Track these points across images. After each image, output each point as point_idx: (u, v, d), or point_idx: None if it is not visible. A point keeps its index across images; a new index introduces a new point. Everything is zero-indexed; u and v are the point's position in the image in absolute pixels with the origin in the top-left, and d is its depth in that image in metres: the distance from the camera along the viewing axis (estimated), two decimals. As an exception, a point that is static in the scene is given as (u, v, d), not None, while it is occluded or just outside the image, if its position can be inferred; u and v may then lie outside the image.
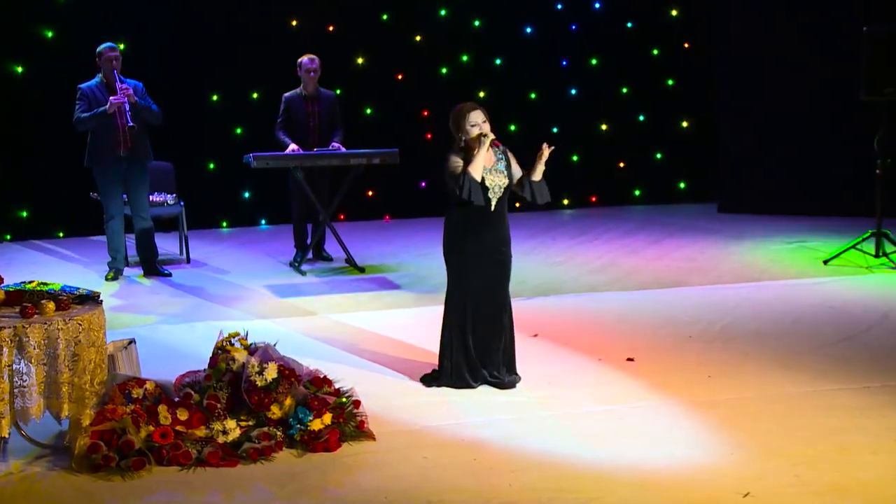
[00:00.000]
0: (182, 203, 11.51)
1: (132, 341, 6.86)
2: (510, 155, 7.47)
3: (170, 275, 10.80)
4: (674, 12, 14.54)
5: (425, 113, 13.98)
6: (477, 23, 14.07)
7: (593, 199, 14.63)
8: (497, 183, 7.29)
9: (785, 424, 6.63)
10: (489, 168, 7.30)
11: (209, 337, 8.49)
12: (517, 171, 7.45)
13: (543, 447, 6.36)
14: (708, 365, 7.83)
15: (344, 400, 6.67)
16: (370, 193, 13.82)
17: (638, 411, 6.93)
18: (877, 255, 10.96)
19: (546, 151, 7.33)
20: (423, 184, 13.97)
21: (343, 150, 10.98)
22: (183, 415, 6.34)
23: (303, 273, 10.95)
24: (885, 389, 7.23)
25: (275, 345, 6.82)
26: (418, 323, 9.11)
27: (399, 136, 13.13)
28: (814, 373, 7.61)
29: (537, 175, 7.41)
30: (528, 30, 14.24)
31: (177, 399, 6.46)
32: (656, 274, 10.79)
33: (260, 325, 9.00)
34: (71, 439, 6.18)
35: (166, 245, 11.32)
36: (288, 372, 6.59)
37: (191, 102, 12.98)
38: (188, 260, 11.55)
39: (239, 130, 13.50)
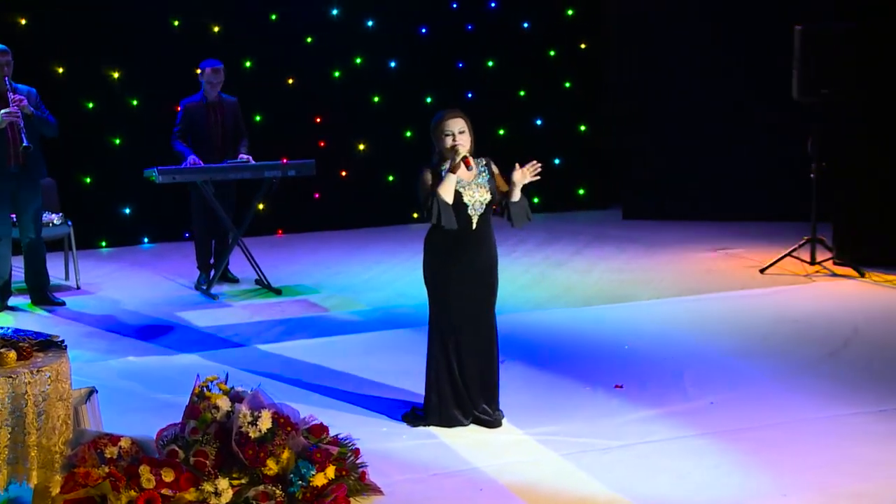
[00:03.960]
0: (70, 223, 10.43)
1: (94, 390, 5.89)
2: (493, 167, 6.75)
3: (63, 303, 9.72)
4: (570, 12, 14.02)
5: (318, 119, 13.13)
6: (370, 23, 13.29)
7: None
8: (478, 199, 6.58)
9: (823, 457, 6.12)
10: (468, 182, 6.58)
11: (136, 378, 7.68)
12: (501, 186, 6.72)
13: (579, 493, 5.70)
14: (703, 389, 7.29)
15: (345, 450, 5.86)
16: (260, 207, 12.85)
17: (657, 447, 6.34)
18: (812, 263, 10.62)
19: (528, 173, 6.59)
20: (317, 195, 13.09)
21: (253, 161, 10.09)
22: (168, 476, 5.42)
23: (214, 297, 9.99)
24: (902, 413, 6.82)
25: (258, 387, 5.96)
26: (366, 350, 8.38)
27: (291, 144, 12.32)
28: (818, 395, 7.13)
29: (516, 195, 6.68)
30: (423, 30, 13.53)
31: (158, 457, 5.54)
32: (595, 288, 10.24)
33: (187, 361, 8.10)
34: (37, 513, 5.23)
35: (49, 269, 10.14)
36: (283, 420, 5.73)
37: (61, 110, 11.74)
38: (78, 286, 10.44)
39: (118, 140, 12.41)
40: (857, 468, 5.96)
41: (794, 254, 10.66)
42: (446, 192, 6.45)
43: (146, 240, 12.69)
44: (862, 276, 10.32)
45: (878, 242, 10.65)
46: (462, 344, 6.68)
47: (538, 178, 6.62)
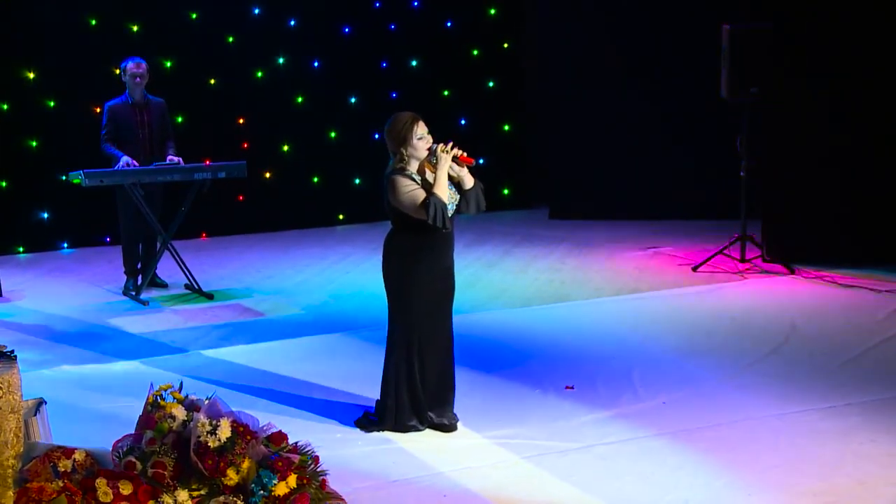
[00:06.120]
0: (-10, 228, 10.13)
1: (42, 402, 5.67)
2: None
3: (-13, 311, 9.43)
4: (492, 11, 13.96)
5: (241, 120, 12.90)
6: (292, 22, 13.09)
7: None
8: (451, 200, 6.47)
9: (781, 456, 6.15)
10: None
11: (74, 388, 7.47)
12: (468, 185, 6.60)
13: (544, 497, 5.64)
14: (653, 389, 7.28)
15: (306, 458, 5.72)
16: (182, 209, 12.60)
17: (615, 448, 6.32)
18: (742, 260, 10.68)
19: (448, 153, 6.38)
20: (241, 197, 12.86)
21: (182, 163, 9.86)
22: (126, 488, 5.24)
23: (143, 302, 9.74)
24: (851, 409, 6.87)
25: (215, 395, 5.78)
26: (308, 355, 8.24)
27: (214, 146, 12.10)
28: (767, 393, 7.16)
29: (468, 182, 6.58)
30: (346, 30, 13.36)
31: (115, 470, 5.35)
32: (533, 288, 10.18)
33: (125, 369, 7.90)
34: (-10, 532, 5.02)
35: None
36: (243, 429, 5.57)
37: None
38: (0, 293, 10.11)
39: (35, 143, 12.06)
40: (816, 467, 5.98)
41: (725, 252, 10.72)
42: (444, 194, 6.32)
43: (66, 245, 12.35)
44: (792, 272, 10.40)
45: (807, 239, 10.74)
46: (424, 347, 6.57)
47: (457, 151, 6.42)
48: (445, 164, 6.33)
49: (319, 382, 7.50)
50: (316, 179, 13.38)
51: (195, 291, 10.00)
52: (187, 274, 10.03)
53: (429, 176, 6.42)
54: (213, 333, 8.80)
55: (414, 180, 6.36)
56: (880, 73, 10.48)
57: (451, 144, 6.38)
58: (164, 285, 10.35)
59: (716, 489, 5.72)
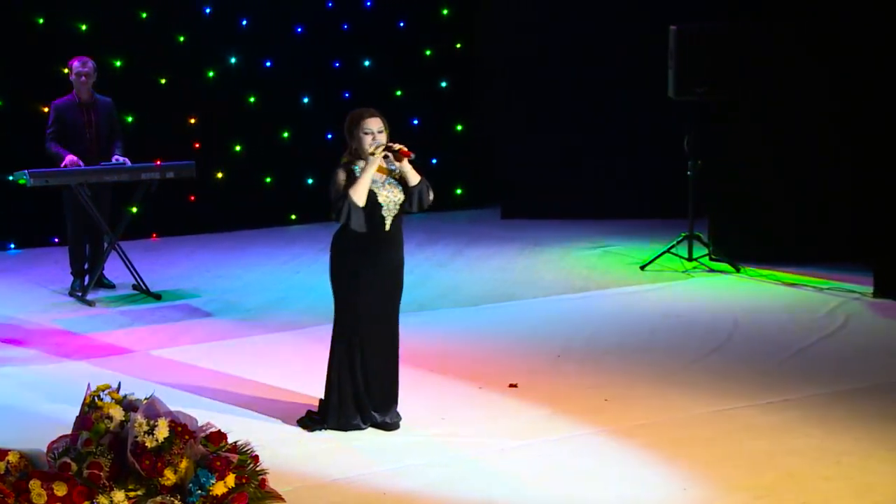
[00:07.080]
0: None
1: (-23, 404, 5.66)
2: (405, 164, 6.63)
3: (-69, 312, 9.37)
4: (445, 11, 14.00)
5: (192, 120, 12.86)
6: (244, 22, 13.07)
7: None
8: (392, 199, 6.49)
9: (717, 451, 6.24)
10: (381, 182, 6.49)
11: (15, 389, 7.45)
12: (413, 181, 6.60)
13: (480, 495, 5.68)
14: (596, 387, 7.35)
15: (245, 457, 5.72)
16: (133, 209, 12.53)
17: (557, 445, 6.38)
18: (690, 259, 10.77)
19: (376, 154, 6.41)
20: (193, 197, 12.81)
21: (129, 163, 9.83)
22: (61, 490, 5.23)
23: (90, 303, 9.70)
24: (787, 405, 6.99)
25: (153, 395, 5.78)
26: (253, 355, 8.22)
27: (165, 146, 12.01)
28: (707, 390, 7.26)
29: (413, 179, 6.59)
30: (299, 30, 13.35)
31: (50, 471, 5.33)
32: (482, 287, 10.22)
33: (68, 370, 7.87)
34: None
35: None
36: (181, 429, 5.56)
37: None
38: (-56, 294, 10.08)
39: (-21, 143, 11.99)
40: (751, 461, 6.07)
41: (672, 250, 10.80)
42: (358, 195, 6.34)
43: (12, 245, 12.24)
44: (737, 270, 10.52)
45: (752, 238, 10.87)
46: (367, 346, 6.60)
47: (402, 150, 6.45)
48: (372, 165, 6.37)
49: (265, 382, 7.51)
50: (268, 179, 13.36)
51: (143, 292, 9.97)
52: (135, 274, 9.99)
53: (380, 173, 6.46)
54: (160, 334, 8.77)
55: (354, 175, 6.39)
56: (829, 73, 10.61)
57: (381, 147, 6.40)
58: (111, 286, 10.30)
59: (652, 484, 5.79)
